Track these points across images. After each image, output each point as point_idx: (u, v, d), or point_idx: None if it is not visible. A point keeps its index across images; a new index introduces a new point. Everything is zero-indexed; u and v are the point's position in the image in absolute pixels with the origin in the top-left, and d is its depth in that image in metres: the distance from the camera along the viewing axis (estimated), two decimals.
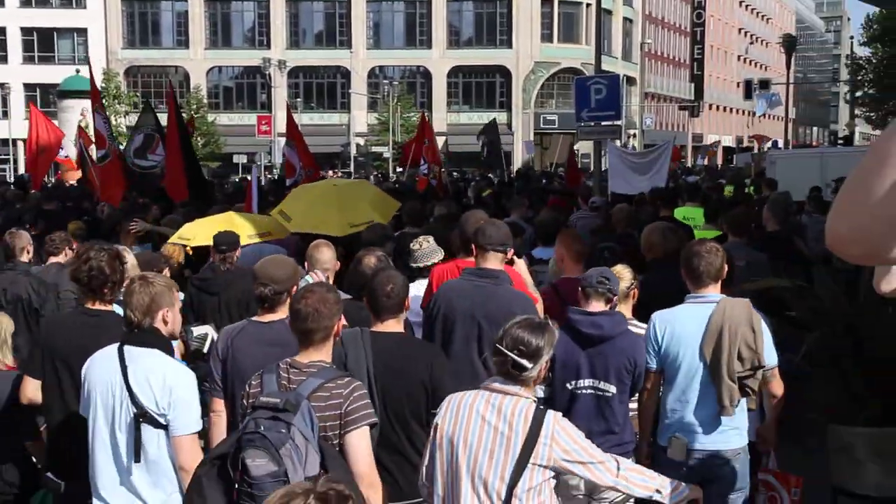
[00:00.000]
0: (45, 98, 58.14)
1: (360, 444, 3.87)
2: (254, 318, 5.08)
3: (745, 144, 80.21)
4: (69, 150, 33.25)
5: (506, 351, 3.75)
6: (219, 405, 4.94)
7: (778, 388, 5.26)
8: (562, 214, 10.98)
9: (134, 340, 4.35)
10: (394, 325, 4.70)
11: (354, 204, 10.27)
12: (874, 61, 52.83)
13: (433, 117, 62.91)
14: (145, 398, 4.22)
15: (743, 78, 67.68)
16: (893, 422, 5.11)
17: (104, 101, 48.80)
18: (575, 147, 32.32)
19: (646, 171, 15.61)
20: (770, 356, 5.14)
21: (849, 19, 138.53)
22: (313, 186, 12.36)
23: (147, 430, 4.23)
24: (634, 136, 68.81)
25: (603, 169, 16.90)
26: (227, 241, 7.32)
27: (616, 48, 66.32)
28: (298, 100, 60.12)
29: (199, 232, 9.05)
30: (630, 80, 67.99)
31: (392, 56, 63.92)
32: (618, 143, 28.43)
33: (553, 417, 3.77)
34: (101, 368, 4.37)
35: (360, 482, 3.76)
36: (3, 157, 57.59)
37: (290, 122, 17.35)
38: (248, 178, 16.95)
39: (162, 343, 4.41)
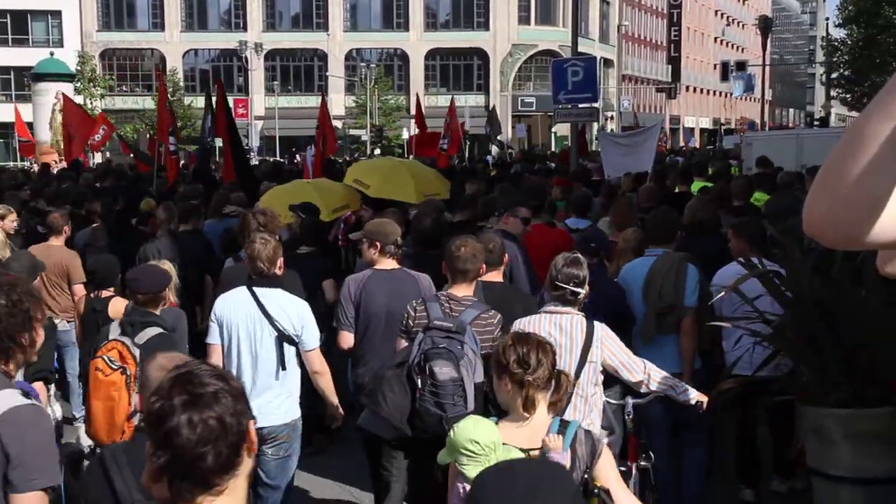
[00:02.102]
0: (19, 81, 57.54)
1: None
2: (376, 268, 6.08)
3: (730, 126, 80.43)
4: (45, 135, 33.02)
5: (563, 285, 5.04)
6: (348, 339, 6.05)
7: (688, 325, 6.23)
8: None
9: (262, 283, 5.63)
10: (483, 280, 5.72)
11: (424, 176, 12.03)
12: (849, 43, 52.94)
13: (411, 100, 62.81)
14: (284, 323, 5.54)
15: (720, 60, 67.85)
16: (865, 403, 5.17)
17: (79, 83, 48.46)
18: (553, 129, 32.35)
19: (633, 152, 15.73)
20: (689, 299, 6.24)
21: (824, 1, 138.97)
22: (381, 161, 15.89)
23: (287, 348, 5.56)
24: (612, 118, 68.89)
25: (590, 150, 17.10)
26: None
27: (593, 30, 66.29)
28: (275, 83, 59.80)
29: (275, 201, 10.07)
30: (607, 63, 68.03)
31: (369, 39, 63.65)
32: (595, 125, 28.51)
33: (600, 327, 5.07)
34: (238, 305, 5.60)
35: None
36: None
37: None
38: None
39: (282, 284, 5.76)
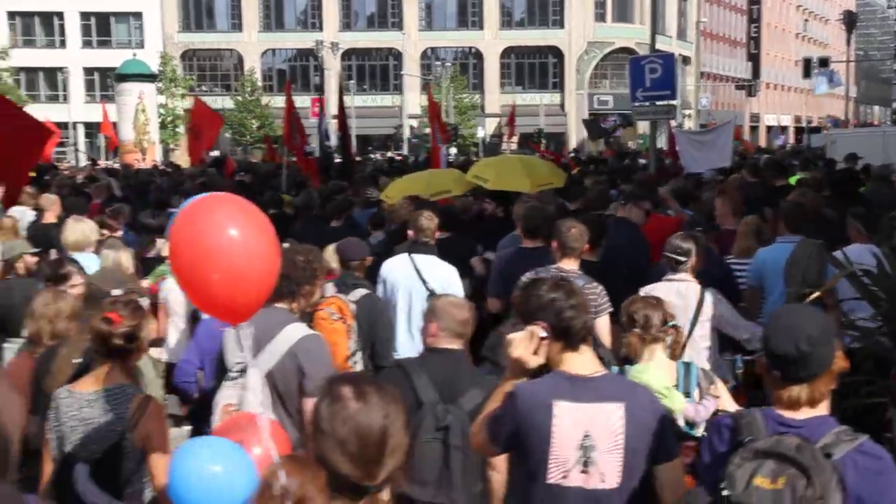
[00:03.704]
0: (103, 82, 59.04)
1: (604, 324, 5.98)
2: (522, 245, 7.42)
3: (814, 124, 78.77)
4: (128, 135, 33.79)
5: (669, 254, 6.08)
6: (495, 304, 7.22)
7: (831, 305, 6.41)
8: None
9: (420, 251, 7.09)
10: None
11: (537, 168, 12.98)
12: None
13: (486, 99, 62.76)
14: (434, 284, 6.80)
15: (801, 56, 66.40)
16: None
17: (161, 83, 49.50)
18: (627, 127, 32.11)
19: (710, 148, 15.81)
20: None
21: None
22: (495, 157, 17.38)
23: None
24: (690, 116, 67.91)
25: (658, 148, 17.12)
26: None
27: (671, 27, 65.40)
28: (351, 82, 60.30)
29: (402, 188, 11.77)
30: (685, 60, 67.09)
31: (444, 37, 63.72)
32: (673, 123, 28.25)
33: (712, 292, 5.99)
34: (400, 268, 7.01)
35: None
36: (62, 139, 58.56)
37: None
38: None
39: (435, 251, 7.16)
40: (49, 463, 4.04)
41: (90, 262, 7.00)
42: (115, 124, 34.63)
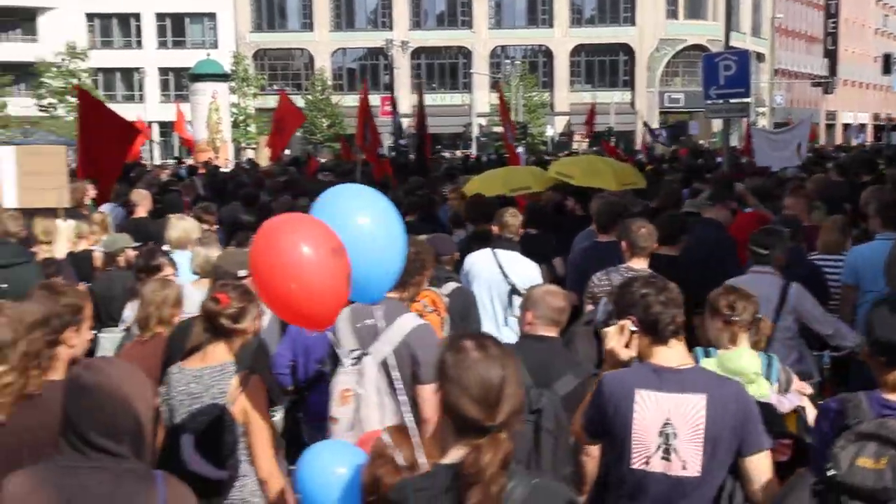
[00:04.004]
0: (177, 82, 60.13)
1: None
2: (598, 240, 7.72)
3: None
4: (202, 134, 34.37)
5: (752, 248, 6.29)
6: (572, 298, 6.98)
7: None
8: None
9: (503, 246, 7.37)
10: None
11: (620, 168, 13.04)
12: None
13: (555, 97, 62.45)
14: (516, 279, 7.04)
15: (881, 52, 64.74)
16: None
17: (233, 83, 50.21)
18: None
19: (786, 146, 15.66)
20: None
21: None
22: (578, 156, 17.67)
23: (515, 299, 6.85)
24: (764, 114, 66.72)
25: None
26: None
27: (745, 24, 64.34)
28: (421, 80, 60.48)
29: (481, 186, 11.75)
30: (759, 57, 65.90)
31: (514, 35, 63.57)
32: (744, 121, 27.82)
33: (796, 286, 6.12)
34: (483, 263, 7.22)
35: None
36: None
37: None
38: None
39: (518, 248, 7.47)
40: (163, 432, 4.34)
41: (186, 260, 7.14)
42: (189, 123, 35.23)
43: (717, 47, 47.24)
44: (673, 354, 3.72)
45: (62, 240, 7.86)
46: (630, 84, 63.10)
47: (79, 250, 8.34)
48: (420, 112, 19.80)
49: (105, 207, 11.35)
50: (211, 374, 4.34)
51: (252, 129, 55.23)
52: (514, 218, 7.69)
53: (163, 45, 63.71)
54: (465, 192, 11.57)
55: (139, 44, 63.73)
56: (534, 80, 60.28)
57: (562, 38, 62.89)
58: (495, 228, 7.79)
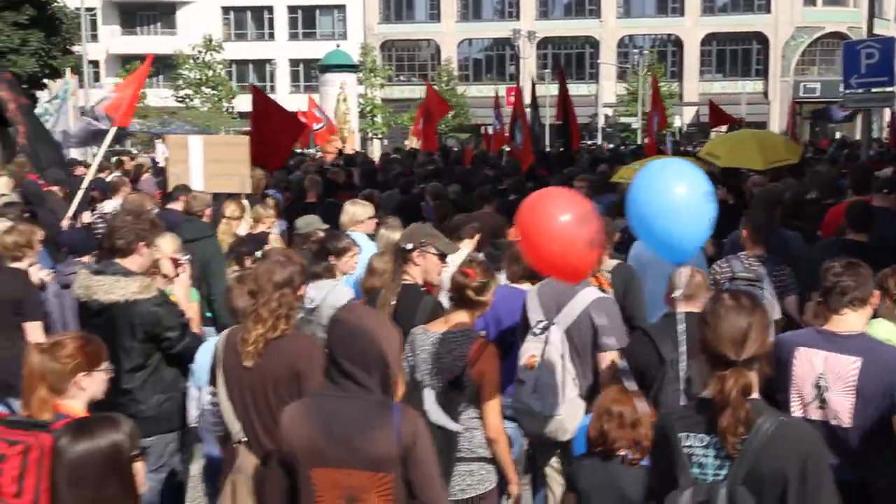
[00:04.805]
0: (307, 73, 61.42)
1: (791, 303, 6.82)
2: None
3: None
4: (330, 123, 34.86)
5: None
6: None
7: None
8: None
9: None
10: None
11: (771, 145, 12.52)
12: None
13: (684, 87, 61.11)
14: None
15: None
16: None
17: (361, 74, 51.00)
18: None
19: None
20: None
21: None
22: (731, 133, 16.42)
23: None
24: None
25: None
26: None
27: (889, 10, 61.45)
28: (546, 71, 60.05)
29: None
30: None
31: (643, 25, 62.45)
32: (887, 111, 26.67)
33: None
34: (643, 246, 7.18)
35: None
36: None
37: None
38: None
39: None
40: (402, 386, 4.76)
41: (361, 240, 7.78)
42: (321, 112, 35.85)
43: (857, 35, 45.29)
44: (843, 321, 4.35)
45: (244, 222, 8.91)
46: (763, 73, 61.19)
47: (257, 232, 9.10)
48: (565, 102, 19.62)
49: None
50: (453, 338, 4.82)
51: (378, 119, 55.93)
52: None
53: (293, 37, 65.12)
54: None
55: (271, 36, 65.37)
56: (662, 69, 59.09)
57: (692, 26, 61.38)
58: None
